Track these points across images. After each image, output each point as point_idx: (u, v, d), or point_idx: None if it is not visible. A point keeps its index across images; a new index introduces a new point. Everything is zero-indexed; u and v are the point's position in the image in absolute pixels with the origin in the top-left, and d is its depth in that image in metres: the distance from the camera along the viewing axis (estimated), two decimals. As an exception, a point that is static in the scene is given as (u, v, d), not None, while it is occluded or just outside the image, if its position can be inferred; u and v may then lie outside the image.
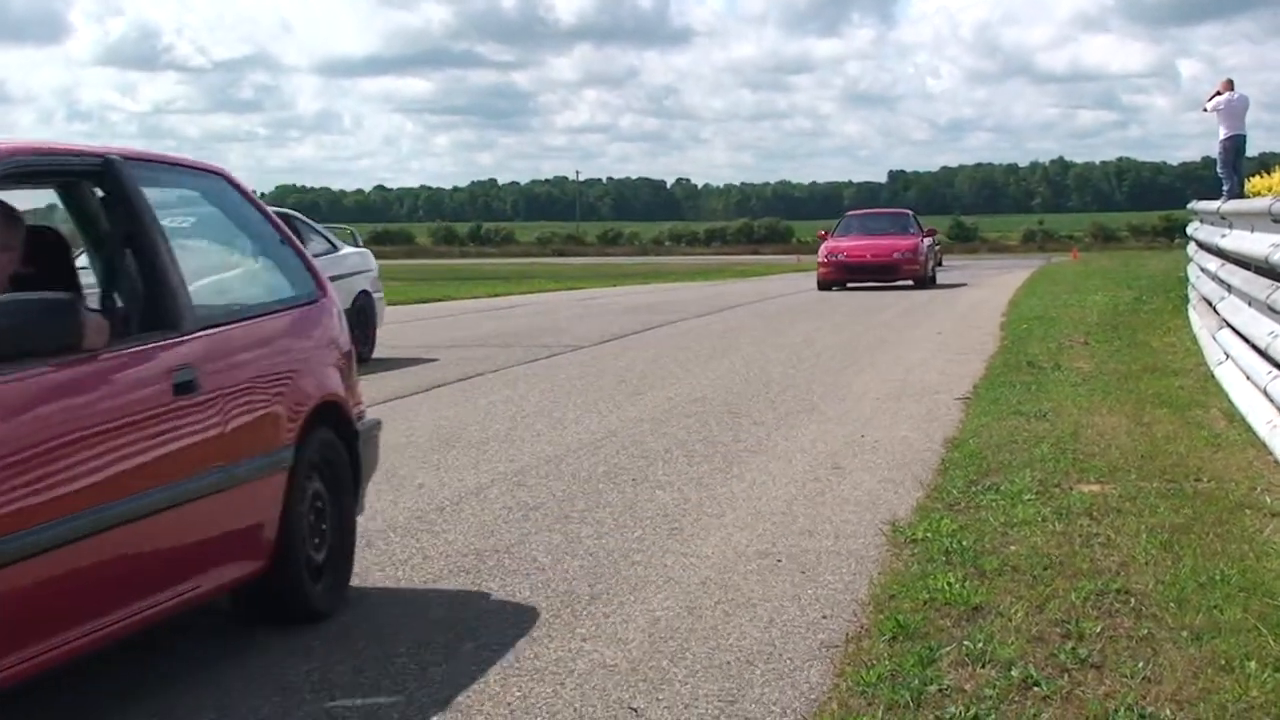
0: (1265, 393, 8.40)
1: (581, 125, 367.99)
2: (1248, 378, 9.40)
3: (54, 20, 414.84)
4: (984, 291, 28.60)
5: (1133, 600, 5.00)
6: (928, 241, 31.10)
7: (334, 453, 5.22)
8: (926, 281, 29.87)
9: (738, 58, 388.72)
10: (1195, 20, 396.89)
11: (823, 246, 30.36)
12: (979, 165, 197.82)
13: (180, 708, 4.12)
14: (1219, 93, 20.89)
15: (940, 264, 58.22)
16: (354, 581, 5.49)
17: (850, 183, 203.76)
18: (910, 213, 33.75)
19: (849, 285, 29.49)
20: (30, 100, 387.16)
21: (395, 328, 20.43)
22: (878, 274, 29.46)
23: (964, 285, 31.45)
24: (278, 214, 6.71)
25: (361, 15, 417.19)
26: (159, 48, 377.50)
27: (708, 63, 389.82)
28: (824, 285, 29.50)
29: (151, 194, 4.64)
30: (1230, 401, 9.57)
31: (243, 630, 4.88)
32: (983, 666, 4.31)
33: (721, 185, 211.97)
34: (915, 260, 29.45)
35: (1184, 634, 4.57)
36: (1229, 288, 12.00)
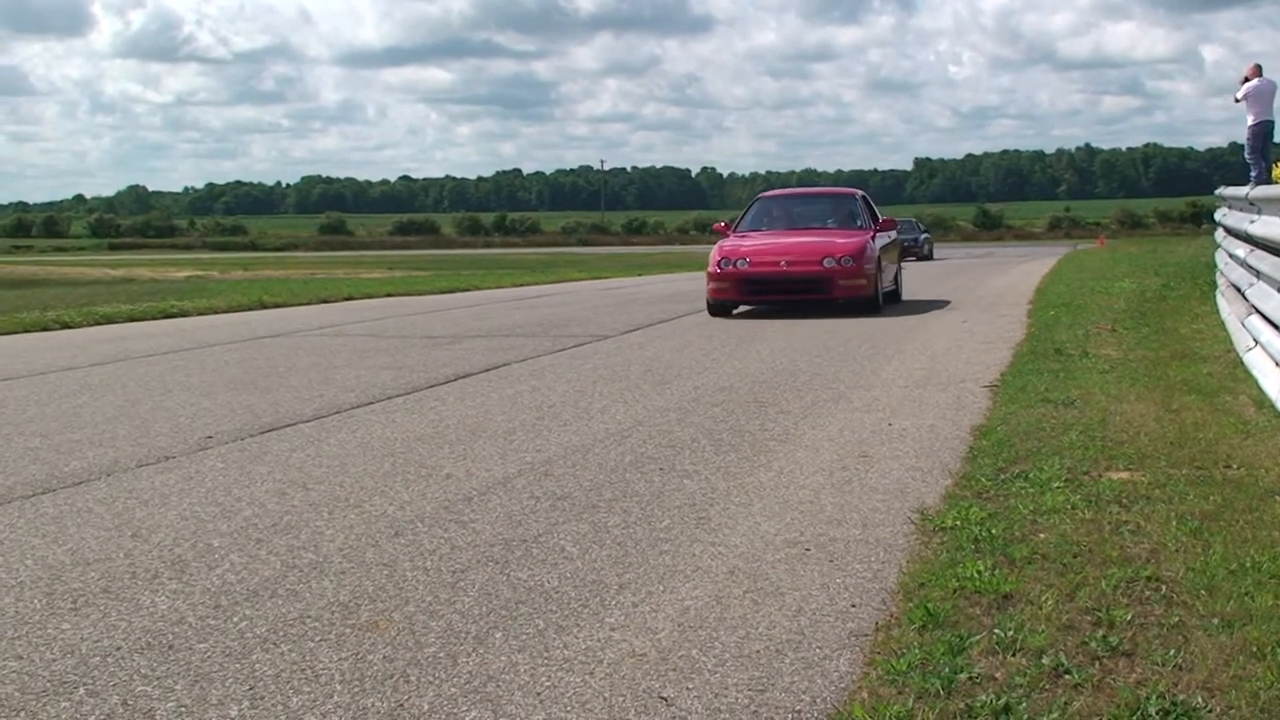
0: (1295, 379, 8.36)
1: (604, 114, 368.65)
2: (1277, 364, 9.35)
3: (75, 12, 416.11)
4: (1000, 281, 28.42)
5: (1163, 588, 4.98)
6: (883, 240, 20.36)
7: None
8: (875, 302, 19.20)
9: (759, 45, 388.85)
10: (1217, 6, 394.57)
11: (717, 247, 19.82)
12: (1005, 152, 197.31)
13: (212, 696, 4.14)
14: (1247, 78, 20.79)
15: (930, 255, 55.72)
16: (384, 571, 5.51)
17: (876, 170, 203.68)
18: (859, 194, 22.02)
19: (754, 305, 19.74)
20: (54, 93, 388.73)
21: (424, 317, 20.47)
22: (797, 290, 19.04)
23: (942, 307, 20.04)
24: None
25: (380, 5, 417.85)
26: (179, 39, 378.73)
27: (729, 51, 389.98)
28: (715, 308, 19.20)
29: None
30: (1259, 388, 9.53)
31: (276, 620, 4.90)
32: (1013, 655, 4.30)
33: (746, 173, 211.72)
34: (858, 270, 18.85)
35: (1215, 621, 4.55)
36: (1258, 273, 11.94)
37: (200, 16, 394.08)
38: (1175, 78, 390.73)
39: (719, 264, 19.09)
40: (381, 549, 5.91)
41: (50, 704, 4.11)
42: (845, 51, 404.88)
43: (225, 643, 4.66)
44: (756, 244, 19.73)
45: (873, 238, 19.75)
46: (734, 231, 20.88)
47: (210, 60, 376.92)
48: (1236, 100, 20.98)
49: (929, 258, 54.17)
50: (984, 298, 22.61)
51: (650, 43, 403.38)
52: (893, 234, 21.56)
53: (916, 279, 28.87)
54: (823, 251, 19.08)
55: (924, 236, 56.37)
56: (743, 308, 19.62)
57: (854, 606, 4.97)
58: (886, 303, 20.28)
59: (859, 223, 20.61)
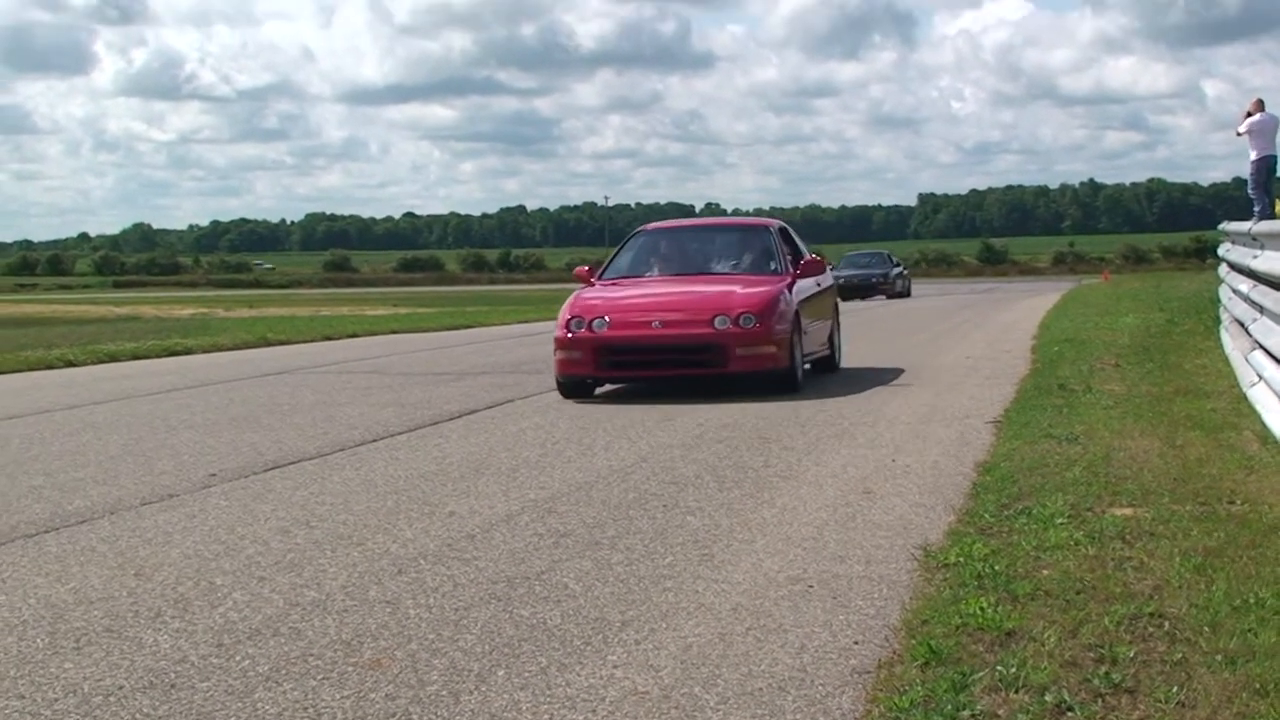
0: (1298, 414, 8.36)
1: (607, 151, 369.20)
2: (1281, 399, 9.35)
3: (77, 51, 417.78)
4: (1005, 317, 28.40)
5: (1166, 624, 4.97)
6: (805, 289, 14.74)
7: None
8: (791, 376, 13.54)
9: (760, 81, 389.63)
10: (1218, 41, 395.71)
11: (569, 302, 14.14)
12: (1009, 188, 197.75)
13: (214, 737, 4.13)
14: (1250, 113, 20.84)
15: (908, 292, 49.81)
16: (387, 609, 5.51)
17: (880, 206, 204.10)
18: (775, 225, 16.09)
19: (619, 382, 14.09)
20: (57, 131, 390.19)
21: (428, 354, 20.49)
22: (676, 362, 13.47)
23: (896, 379, 14.47)
24: None
25: (382, 43, 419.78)
26: (182, 77, 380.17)
27: (730, 87, 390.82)
28: (567, 387, 13.64)
29: None
30: (1263, 423, 9.52)
31: (278, 658, 4.89)
32: (1016, 692, 4.29)
33: (750, 209, 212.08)
34: (765, 333, 13.35)
35: (1218, 658, 4.54)
36: (1261, 309, 11.95)
37: (203, 54, 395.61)
38: (1177, 113, 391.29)
39: (568, 325, 13.48)
40: (384, 586, 5.91)
41: (52, 743, 4.11)
42: (847, 87, 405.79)
43: (228, 681, 4.66)
44: (624, 296, 14.08)
45: (789, 286, 14.15)
46: (599, 279, 14.98)
47: (213, 98, 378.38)
48: (1239, 134, 21.03)
49: (904, 295, 48.67)
50: (989, 333, 22.59)
51: (652, 79, 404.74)
52: (823, 279, 15.70)
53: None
54: (715, 306, 13.43)
55: (897, 271, 50.44)
56: (624, 383, 14.15)
57: (857, 643, 4.96)
58: (819, 371, 15.41)
59: (773, 265, 14.81)
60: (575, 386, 13.56)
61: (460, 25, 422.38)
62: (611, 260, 15.66)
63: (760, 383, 13.45)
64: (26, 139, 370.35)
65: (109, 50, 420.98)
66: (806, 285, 14.85)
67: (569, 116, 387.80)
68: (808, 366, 14.62)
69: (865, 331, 23.47)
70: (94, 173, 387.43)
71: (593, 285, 14.76)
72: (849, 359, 16.83)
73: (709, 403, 12.60)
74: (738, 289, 13.95)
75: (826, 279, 16.13)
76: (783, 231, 15.87)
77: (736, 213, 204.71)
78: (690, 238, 16.30)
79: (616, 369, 13.53)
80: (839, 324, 16.41)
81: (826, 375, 15.31)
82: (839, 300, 16.98)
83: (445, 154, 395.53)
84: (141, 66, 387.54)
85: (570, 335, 13.49)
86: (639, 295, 14.21)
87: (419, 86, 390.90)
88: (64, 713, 4.36)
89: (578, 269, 15.69)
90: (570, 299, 14.10)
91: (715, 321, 13.31)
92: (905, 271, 52.76)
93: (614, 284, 14.73)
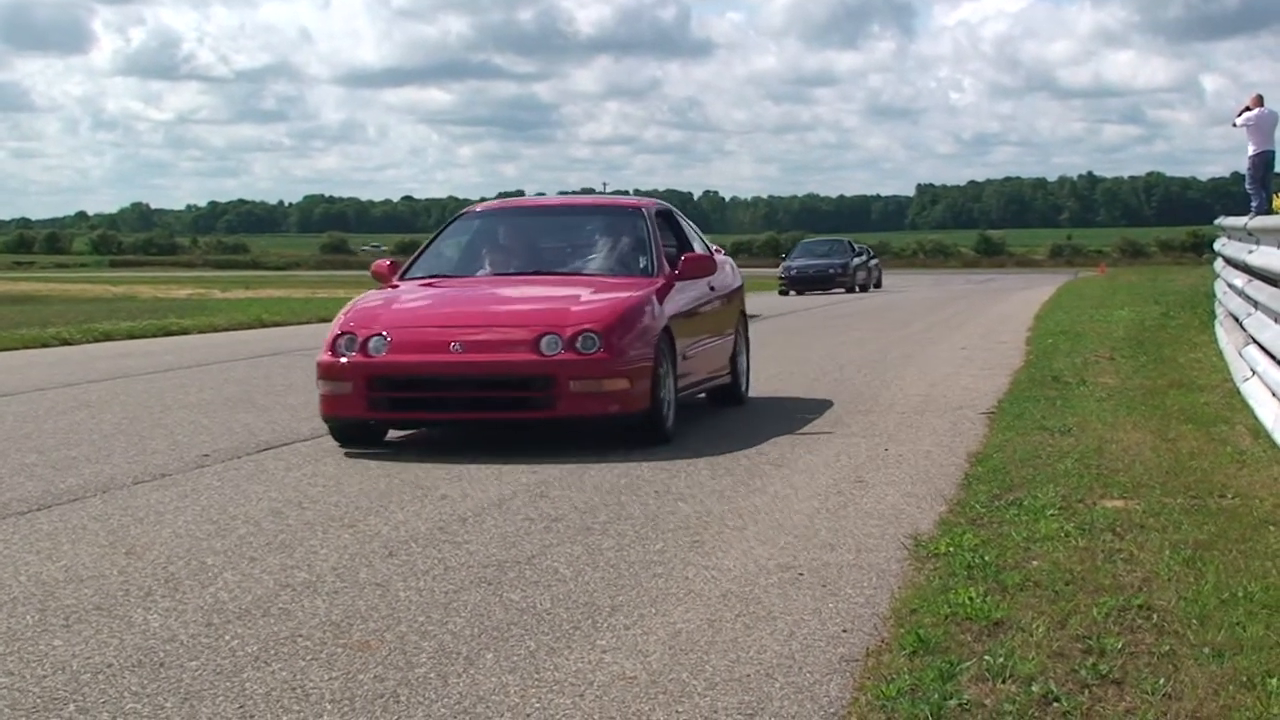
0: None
1: (605, 137, 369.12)
2: (1273, 394, 9.36)
3: (76, 29, 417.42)
4: (1001, 309, 28.36)
5: (1155, 616, 4.98)
6: (686, 294, 10.68)
7: None
8: (653, 422, 9.45)
9: (759, 70, 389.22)
10: (1216, 36, 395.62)
11: (345, 311, 9.92)
12: (1007, 179, 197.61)
13: (202, 715, 4.14)
14: (1249, 108, 20.85)
15: (878, 284, 45.60)
16: (376, 591, 5.51)
17: (879, 195, 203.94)
18: (652, 209, 11.47)
19: (404, 425, 10.04)
20: (55, 109, 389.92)
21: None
22: (482, 401, 9.34)
23: (811, 425, 10.08)
24: None
25: (380, 26, 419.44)
26: (180, 57, 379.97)
27: (729, 75, 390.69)
28: (337, 431, 9.52)
29: None
30: (1256, 418, 9.53)
31: (268, 638, 4.90)
32: (1003, 682, 4.30)
33: (749, 197, 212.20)
34: (610, 361, 9.17)
35: (1206, 651, 4.55)
36: (1256, 304, 11.96)
37: (200, 34, 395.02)
38: (1176, 107, 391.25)
39: (334, 345, 9.39)
40: (375, 569, 5.92)
41: (40, 720, 4.11)
42: (846, 77, 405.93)
43: (216, 661, 4.66)
44: (419, 305, 10.04)
45: (660, 292, 10.10)
46: (402, 277, 10.76)
47: (211, 79, 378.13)
48: (1235, 125, 21.04)
49: (868, 288, 43.98)
50: (984, 325, 22.60)
51: (651, 66, 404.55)
52: (720, 281, 11.51)
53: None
54: (543, 321, 9.36)
55: (859, 261, 44.26)
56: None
57: (845, 631, 4.97)
58: (717, 405, 11.55)
59: (643, 262, 10.63)
60: (348, 432, 9.46)
61: (458, 9, 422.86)
62: (423, 251, 11.24)
63: (609, 430, 9.48)
64: (25, 117, 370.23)
65: (107, 29, 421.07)
66: (691, 291, 10.74)
67: (567, 102, 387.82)
68: (702, 397, 11.29)
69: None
70: (92, 151, 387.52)
71: (394, 286, 10.52)
72: (782, 381, 13.37)
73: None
74: (584, 295, 9.84)
75: (727, 280, 11.88)
76: (663, 216, 11.54)
77: (734, 202, 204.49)
78: (533, 223, 11.89)
79: (397, 409, 9.45)
80: (748, 340, 12.25)
81: (726, 412, 11.28)
82: (744, 310, 12.36)
83: (443, 138, 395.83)
84: (140, 46, 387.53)
85: (335, 359, 9.32)
86: (439, 304, 10.05)
87: (417, 70, 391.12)
88: (53, 690, 4.36)
89: (376, 264, 11.09)
90: (347, 306, 10.03)
91: (541, 343, 9.11)
92: (874, 262, 47.26)
93: (426, 285, 10.55)
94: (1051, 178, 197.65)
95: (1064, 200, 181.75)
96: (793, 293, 40.65)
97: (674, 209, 11.96)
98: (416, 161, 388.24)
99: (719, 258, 11.67)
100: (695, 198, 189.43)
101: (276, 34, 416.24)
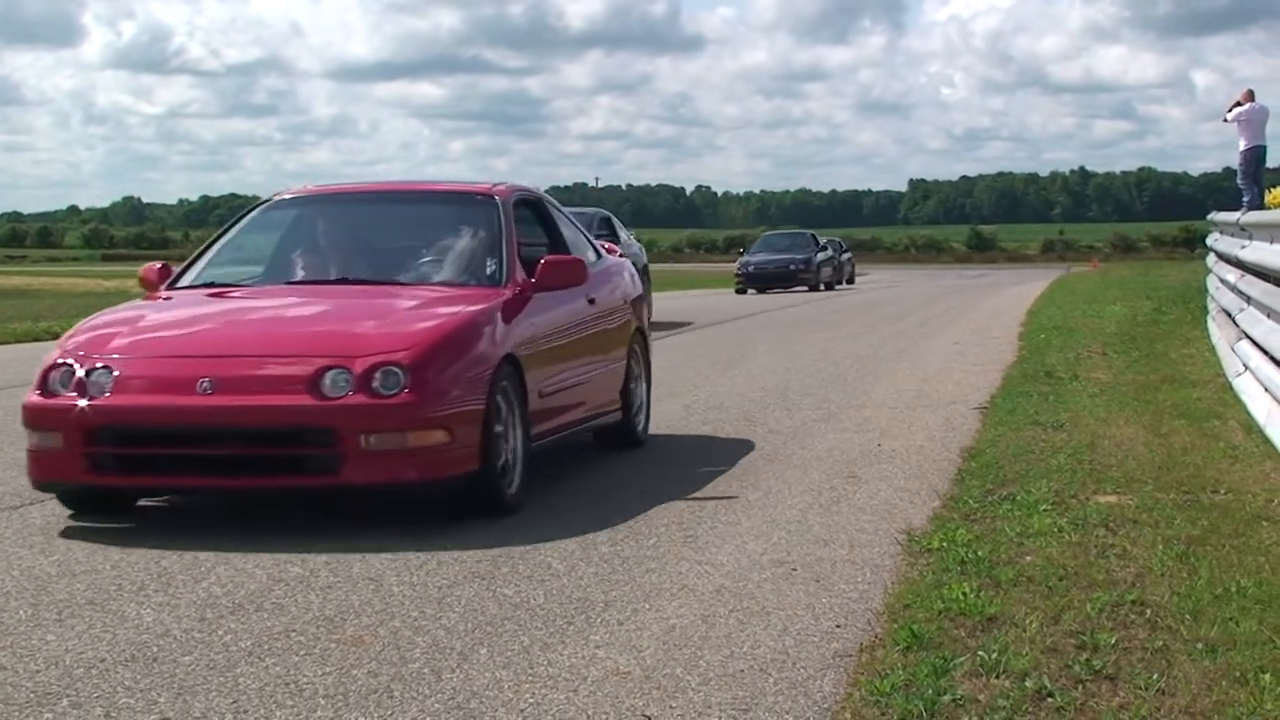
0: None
1: (597, 132, 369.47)
2: (1266, 389, 9.37)
3: (66, 23, 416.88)
4: (993, 304, 28.36)
5: (1148, 612, 4.99)
6: (538, 314, 7.71)
7: None
8: (484, 489, 6.80)
9: (750, 65, 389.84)
10: (1207, 31, 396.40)
11: (70, 334, 7.37)
12: (999, 174, 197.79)
13: (195, 710, 4.13)
14: (1239, 103, 20.88)
15: (850, 280, 42.80)
16: (370, 586, 5.51)
17: (870, 190, 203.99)
18: (509, 197, 8.31)
19: (137, 492, 7.11)
20: (45, 103, 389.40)
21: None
22: (240, 456, 6.56)
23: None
24: None
25: (371, 20, 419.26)
26: (170, 50, 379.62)
27: (720, 70, 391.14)
28: (64, 497, 7.05)
29: None
30: (1248, 413, 9.54)
31: (261, 633, 4.90)
32: (997, 677, 4.30)
33: (741, 193, 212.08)
34: (422, 404, 6.51)
35: (1199, 646, 4.56)
36: (1248, 299, 11.97)
37: (191, 28, 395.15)
38: (1167, 102, 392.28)
39: (44, 381, 6.99)
40: (369, 563, 5.91)
41: (33, 715, 4.10)
42: (836, 72, 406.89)
43: (209, 656, 4.66)
44: (166, 323, 7.49)
45: (504, 308, 7.46)
46: (171, 285, 8.10)
47: (202, 73, 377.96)
48: (1225, 120, 21.07)
49: (833, 285, 40.80)
50: (976, 320, 22.58)
51: (642, 60, 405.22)
52: (603, 290, 8.90)
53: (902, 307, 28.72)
54: (327, 350, 6.73)
55: (824, 256, 40.46)
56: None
57: (839, 627, 4.97)
58: (607, 447, 9.07)
59: (490, 268, 7.89)
60: (77, 499, 7.09)
61: (449, 3, 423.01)
62: (206, 250, 8.49)
63: (415, 501, 7.06)
64: (15, 111, 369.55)
65: (97, 22, 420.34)
66: (557, 306, 8.09)
67: (558, 97, 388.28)
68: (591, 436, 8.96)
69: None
70: (83, 145, 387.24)
71: (162, 299, 7.94)
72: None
73: (695, 385, 12.59)
74: (394, 313, 7.21)
75: (618, 287, 9.31)
76: (528, 207, 8.82)
77: (726, 196, 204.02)
78: (354, 215, 8.94)
79: (126, 472, 6.79)
80: (648, 363, 9.66)
81: (616, 456, 8.97)
82: (644, 328, 9.73)
83: (434, 132, 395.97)
84: (130, 39, 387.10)
85: (43, 401, 6.97)
86: (194, 324, 7.39)
87: (408, 64, 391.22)
88: (45, 684, 4.36)
89: (146, 267, 8.40)
90: (78, 325, 7.60)
91: (323, 382, 6.56)
92: (845, 256, 44.61)
93: (201, 296, 7.88)
94: (1043, 173, 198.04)
95: (1056, 195, 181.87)
96: (751, 291, 37.14)
97: (545, 197, 9.22)
98: (407, 156, 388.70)
99: (609, 261, 9.48)
100: (687, 192, 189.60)
101: (267, 28, 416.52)
